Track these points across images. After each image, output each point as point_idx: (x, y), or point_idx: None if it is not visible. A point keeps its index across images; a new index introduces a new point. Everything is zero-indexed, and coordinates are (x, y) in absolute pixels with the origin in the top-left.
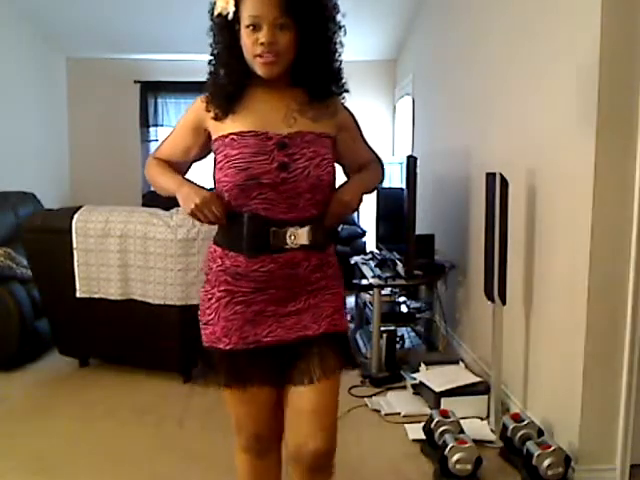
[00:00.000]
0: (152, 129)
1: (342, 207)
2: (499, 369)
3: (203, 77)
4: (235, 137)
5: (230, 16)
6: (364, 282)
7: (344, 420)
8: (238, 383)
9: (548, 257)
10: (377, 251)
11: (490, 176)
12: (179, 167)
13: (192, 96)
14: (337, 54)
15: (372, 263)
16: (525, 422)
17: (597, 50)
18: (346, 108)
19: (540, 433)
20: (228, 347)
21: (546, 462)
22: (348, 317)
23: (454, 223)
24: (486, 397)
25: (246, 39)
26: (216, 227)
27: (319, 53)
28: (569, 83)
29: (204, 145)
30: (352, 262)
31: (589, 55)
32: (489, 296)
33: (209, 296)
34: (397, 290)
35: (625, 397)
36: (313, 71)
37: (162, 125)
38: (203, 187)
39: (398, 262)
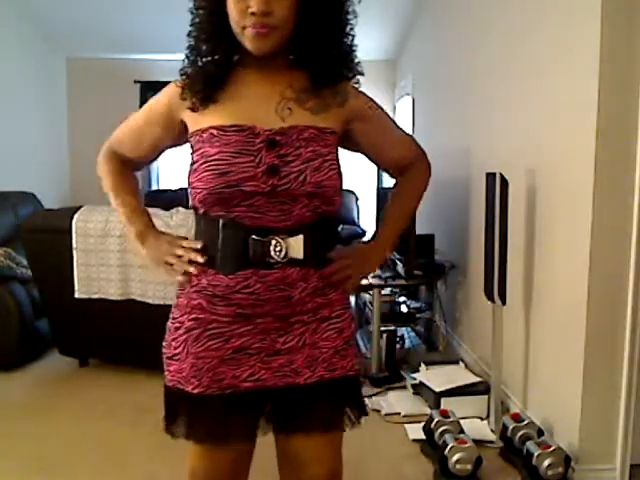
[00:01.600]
0: None
1: (358, 277)
2: (499, 369)
3: None
4: (215, 132)
5: None
6: (364, 282)
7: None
8: (206, 437)
9: (548, 257)
10: None
11: (490, 176)
12: (142, 164)
13: None
14: (348, 27)
15: None
16: (525, 422)
17: (597, 50)
18: (361, 93)
19: (540, 433)
20: (197, 391)
21: (546, 462)
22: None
23: (454, 223)
24: (486, 397)
25: (233, 6)
26: None
27: (325, 26)
28: (569, 83)
29: (178, 137)
30: None
31: (589, 55)
32: (489, 296)
33: (176, 325)
34: (397, 290)
35: (625, 397)
36: (317, 48)
37: None
38: (163, 232)
39: (398, 262)
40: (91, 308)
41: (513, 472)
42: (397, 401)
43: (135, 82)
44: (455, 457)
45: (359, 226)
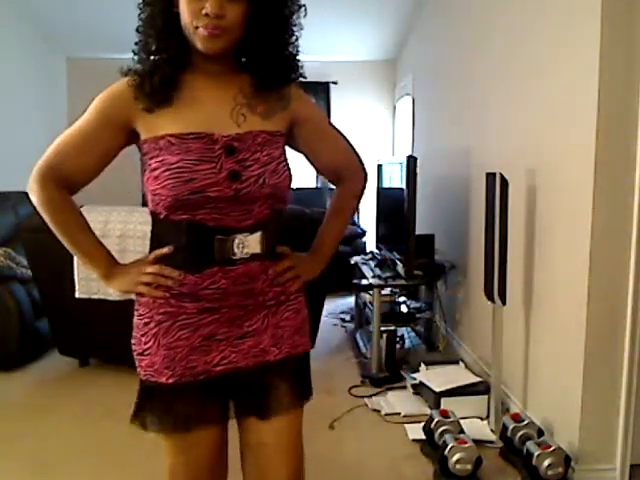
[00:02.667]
0: None
1: (300, 281)
2: (499, 369)
3: None
4: (173, 140)
5: None
6: (364, 282)
7: (344, 420)
8: (182, 425)
9: (548, 257)
10: (377, 251)
11: (490, 176)
12: (85, 183)
13: None
14: (294, 36)
15: (372, 263)
16: (525, 422)
17: (597, 50)
18: (303, 96)
19: (540, 433)
20: (171, 380)
21: (546, 462)
22: (348, 317)
23: (454, 223)
24: (486, 397)
25: (186, 6)
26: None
27: (273, 32)
28: (569, 83)
29: (126, 142)
30: (352, 262)
31: (589, 55)
32: (489, 296)
33: (145, 320)
34: (397, 290)
35: (625, 397)
36: (264, 53)
37: None
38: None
39: (398, 262)
40: (91, 308)
41: (513, 472)
42: (397, 401)
43: None
44: (455, 457)
45: (359, 226)
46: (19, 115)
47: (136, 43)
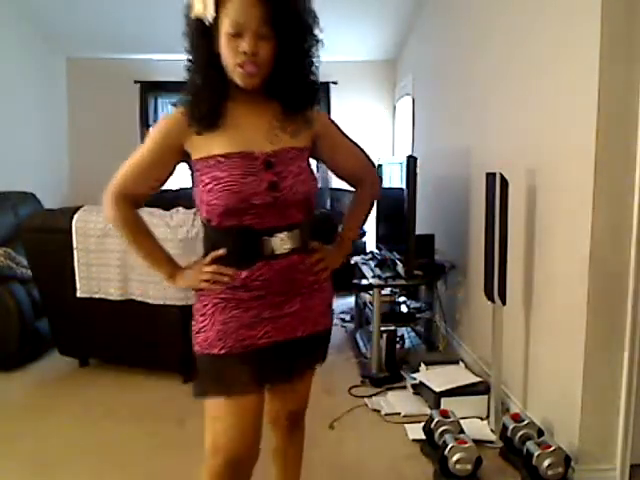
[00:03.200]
0: None
1: (328, 271)
2: (499, 369)
3: None
4: (221, 159)
5: (209, 21)
6: (364, 282)
7: (344, 420)
8: (233, 388)
9: (548, 257)
10: (377, 251)
11: (490, 176)
12: (148, 197)
13: None
14: (314, 67)
15: (372, 263)
16: (525, 422)
17: (597, 50)
18: (322, 115)
19: (540, 433)
20: (223, 351)
21: (546, 462)
22: (348, 317)
23: (454, 223)
24: (486, 397)
25: (226, 46)
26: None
27: (297, 66)
28: (569, 83)
29: (177, 164)
30: (352, 262)
31: (589, 55)
32: (489, 296)
33: (204, 304)
34: (397, 290)
35: (625, 397)
36: (290, 84)
37: None
38: (175, 262)
39: (398, 262)
40: (91, 308)
41: (513, 472)
42: (397, 401)
43: (135, 82)
44: (455, 457)
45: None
46: (19, 115)
47: (186, 80)
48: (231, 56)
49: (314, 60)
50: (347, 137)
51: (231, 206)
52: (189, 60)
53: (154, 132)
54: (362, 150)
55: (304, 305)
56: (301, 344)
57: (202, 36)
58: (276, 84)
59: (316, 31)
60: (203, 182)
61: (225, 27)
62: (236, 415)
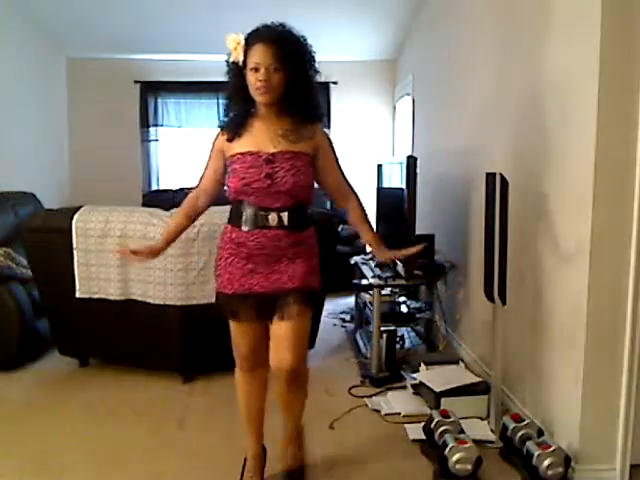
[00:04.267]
0: (152, 129)
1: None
2: (499, 369)
3: (203, 77)
4: (239, 156)
5: (240, 62)
6: (364, 282)
7: (344, 420)
8: (237, 316)
9: (548, 257)
10: None
11: (490, 176)
12: (217, 193)
13: (192, 96)
14: (314, 90)
15: (372, 263)
16: (525, 422)
17: (597, 50)
18: (325, 134)
19: (540, 433)
20: (231, 292)
21: (546, 462)
22: (348, 317)
23: (454, 223)
24: (486, 397)
25: (250, 77)
26: (219, 228)
27: (300, 91)
28: (569, 82)
29: (226, 167)
30: (352, 262)
31: (589, 55)
32: (489, 296)
33: (220, 256)
34: (397, 290)
35: (625, 397)
36: (296, 103)
37: (162, 125)
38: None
39: (398, 262)
40: (91, 308)
41: (513, 472)
42: (397, 401)
43: (135, 82)
44: (455, 457)
45: None
46: (19, 115)
47: (224, 106)
48: (252, 82)
49: (315, 85)
50: (336, 157)
51: (239, 188)
52: (227, 92)
53: (212, 148)
54: (343, 172)
55: (289, 267)
56: (289, 294)
57: (236, 73)
58: (287, 104)
59: (315, 65)
60: (228, 172)
61: (249, 65)
62: (242, 333)
